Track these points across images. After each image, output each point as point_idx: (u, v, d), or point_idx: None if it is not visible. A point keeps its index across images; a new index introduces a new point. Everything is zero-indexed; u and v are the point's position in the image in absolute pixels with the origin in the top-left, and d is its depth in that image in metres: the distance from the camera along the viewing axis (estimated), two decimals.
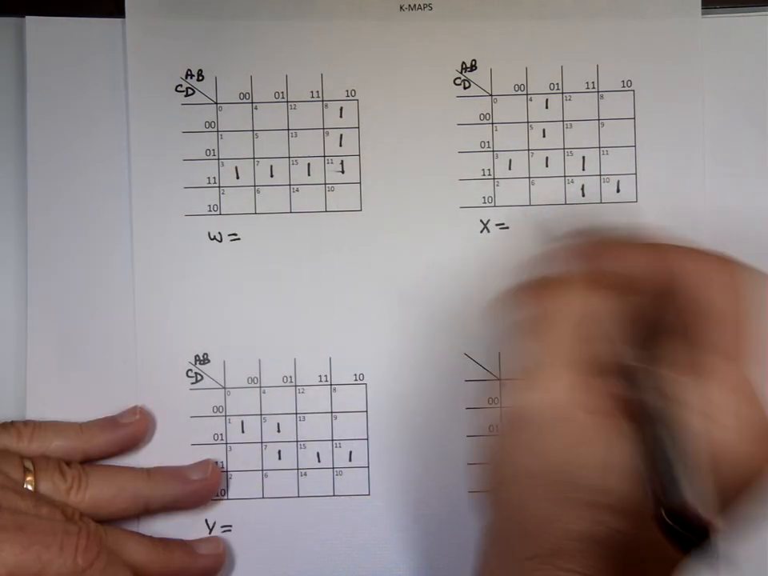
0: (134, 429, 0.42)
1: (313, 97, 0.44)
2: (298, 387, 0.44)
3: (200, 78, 0.44)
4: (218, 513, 0.43)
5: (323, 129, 0.44)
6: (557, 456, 0.33)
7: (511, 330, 0.37)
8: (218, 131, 0.44)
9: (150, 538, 0.42)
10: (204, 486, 0.42)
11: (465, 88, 0.44)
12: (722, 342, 0.34)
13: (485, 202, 0.44)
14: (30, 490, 0.39)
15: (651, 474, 0.31)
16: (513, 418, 0.35)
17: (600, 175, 0.44)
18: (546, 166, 0.44)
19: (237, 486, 0.44)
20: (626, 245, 0.37)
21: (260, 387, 0.44)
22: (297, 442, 0.44)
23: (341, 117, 0.44)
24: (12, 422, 0.42)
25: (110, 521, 0.41)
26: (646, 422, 0.32)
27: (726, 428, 0.32)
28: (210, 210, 0.44)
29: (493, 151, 0.44)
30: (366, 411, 0.44)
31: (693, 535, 0.29)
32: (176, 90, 0.44)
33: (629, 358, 0.35)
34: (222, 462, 0.43)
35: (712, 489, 0.30)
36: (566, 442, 0.33)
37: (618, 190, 0.44)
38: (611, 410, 0.34)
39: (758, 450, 0.33)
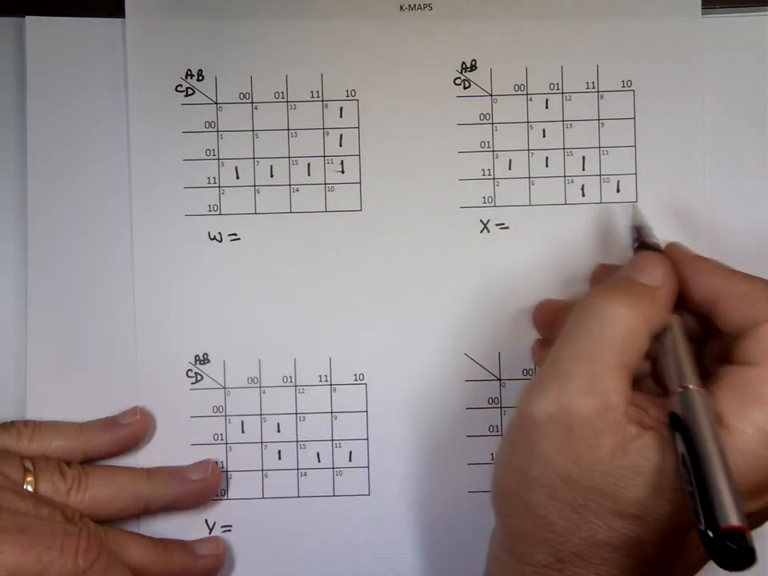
0: (134, 429, 0.42)
1: (313, 97, 0.44)
2: (297, 387, 0.44)
3: (200, 78, 0.44)
4: (217, 513, 0.43)
5: (323, 129, 0.44)
6: (596, 463, 0.33)
7: (568, 324, 0.36)
8: (217, 131, 0.44)
9: (150, 538, 0.42)
10: (204, 486, 0.42)
11: (465, 88, 0.44)
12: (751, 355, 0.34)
13: (485, 202, 0.44)
14: (29, 491, 0.39)
15: (696, 490, 0.31)
16: (550, 418, 0.33)
17: (600, 175, 0.44)
18: (546, 166, 0.44)
19: (237, 485, 0.44)
20: (722, 271, 0.36)
21: (260, 387, 0.44)
22: (297, 441, 0.44)
23: (341, 117, 0.44)
24: (12, 422, 0.42)
25: (110, 521, 0.41)
26: (687, 437, 0.32)
27: (746, 437, 0.32)
28: (209, 210, 0.44)
29: (493, 151, 0.44)
30: (366, 411, 0.44)
31: (737, 553, 0.29)
32: (176, 90, 0.44)
33: (674, 372, 0.34)
34: (221, 462, 0.43)
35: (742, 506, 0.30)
36: (610, 450, 0.33)
37: (618, 190, 0.44)
38: (654, 423, 0.33)
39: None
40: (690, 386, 0.33)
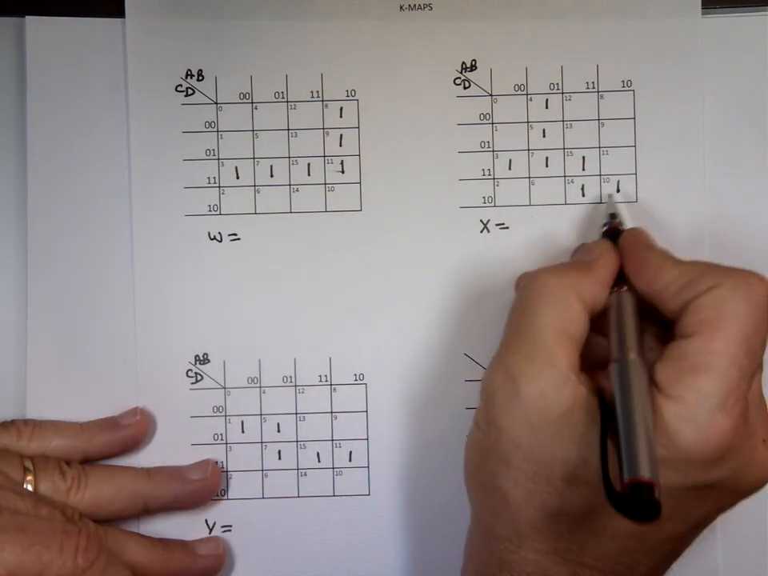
0: (134, 430, 0.42)
1: (313, 97, 0.44)
2: (297, 387, 0.44)
3: (200, 78, 0.44)
4: (217, 513, 0.43)
5: (323, 129, 0.44)
6: (546, 425, 0.34)
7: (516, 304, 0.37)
8: (218, 131, 0.44)
9: (150, 538, 0.42)
10: (204, 486, 0.42)
11: (465, 88, 0.44)
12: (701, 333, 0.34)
13: (485, 202, 0.44)
14: (29, 491, 0.39)
15: (605, 452, 0.32)
16: (500, 389, 0.35)
17: (600, 175, 0.44)
18: (546, 166, 0.44)
19: (237, 485, 0.44)
20: (655, 259, 0.37)
21: (260, 387, 0.44)
22: (297, 441, 0.44)
23: (341, 117, 0.44)
24: (12, 421, 0.42)
25: (109, 520, 0.41)
26: (616, 404, 0.33)
27: (687, 404, 0.33)
28: (210, 210, 0.44)
29: (493, 151, 0.44)
30: (366, 411, 0.44)
31: (643, 507, 0.30)
32: (176, 90, 0.44)
33: (613, 343, 0.36)
34: (221, 462, 0.43)
35: (655, 464, 0.31)
36: (558, 412, 0.34)
37: (618, 190, 0.44)
38: (596, 390, 0.35)
39: (722, 425, 0.33)
40: (628, 356, 0.35)
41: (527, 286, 0.37)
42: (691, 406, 0.33)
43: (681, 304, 0.35)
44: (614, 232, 0.40)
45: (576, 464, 0.33)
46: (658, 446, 0.32)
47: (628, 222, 0.42)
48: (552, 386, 0.34)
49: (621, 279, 0.38)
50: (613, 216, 0.42)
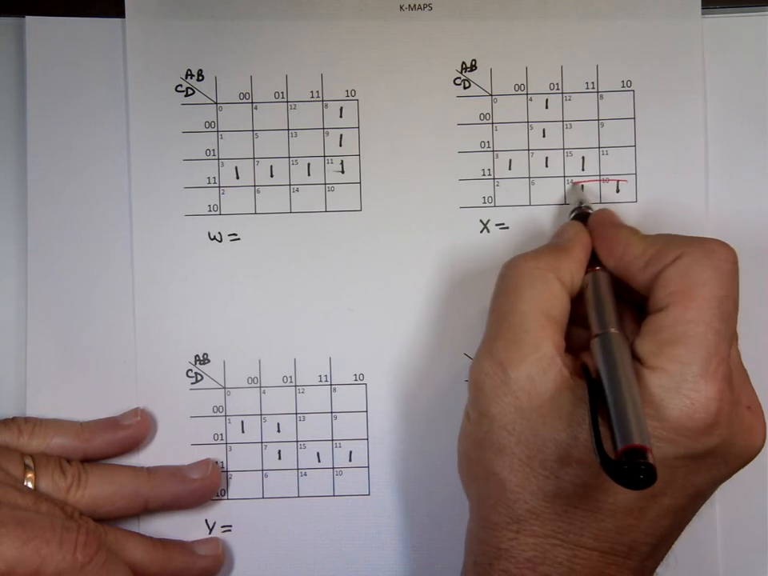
0: (134, 430, 0.42)
1: (313, 97, 0.44)
2: (298, 387, 0.44)
3: (200, 78, 0.44)
4: (217, 513, 0.43)
5: (323, 129, 0.44)
6: (535, 407, 0.34)
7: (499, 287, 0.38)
8: (218, 131, 0.44)
9: (149, 538, 0.42)
10: (204, 485, 0.42)
11: (465, 88, 0.44)
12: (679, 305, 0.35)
13: (485, 202, 0.44)
14: (29, 488, 0.39)
15: (597, 425, 0.32)
16: (487, 376, 0.36)
17: (600, 175, 0.44)
18: (546, 166, 0.44)
19: (237, 486, 0.44)
20: (621, 235, 0.38)
21: (260, 387, 0.44)
22: (297, 442, 0.44)
23: (341, 117, 0.44)
24: (13, 419, 0.42)
25: (110, 519, 0.41)
26: (601, 379, 0.34)
27: (669, 374, 0.33)
28: (210, 210, 0.44)
29: (493, 151, 0.44)
30: (366, 411, 0.44)
31: (639, 473, 0.30)
32: (176, 90, 0.44)
33: (594, 322, 0.37)
34: (222, 462, 0.43)
35: (646, 431, 0.32)
36: (546, 394, 0.34)
37: (618, 190, 0.44)
38: (581, 370, 0.35)
39: (707, 392, 0.33)
40: (609, 330, 0.36)
41: (506, 273, 0.37)
42: (674, 376, 0.33)
43: (650, 277, 0.36)
44: (583, 216, 0.41)
45: (567, 444, 0.34)
46: (647, 419, 0.33)
47: (594, 206, 0.42)
48: (539, 369, 0.35)
49: (593, 260, 0.39)
50: (580, 201, 0.42)
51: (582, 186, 0.44)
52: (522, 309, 0.36)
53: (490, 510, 0.36)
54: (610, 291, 0.38)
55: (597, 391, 0.34)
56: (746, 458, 0.36)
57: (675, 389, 0.33)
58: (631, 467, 0.30)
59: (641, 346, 0.35)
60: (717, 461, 0.35)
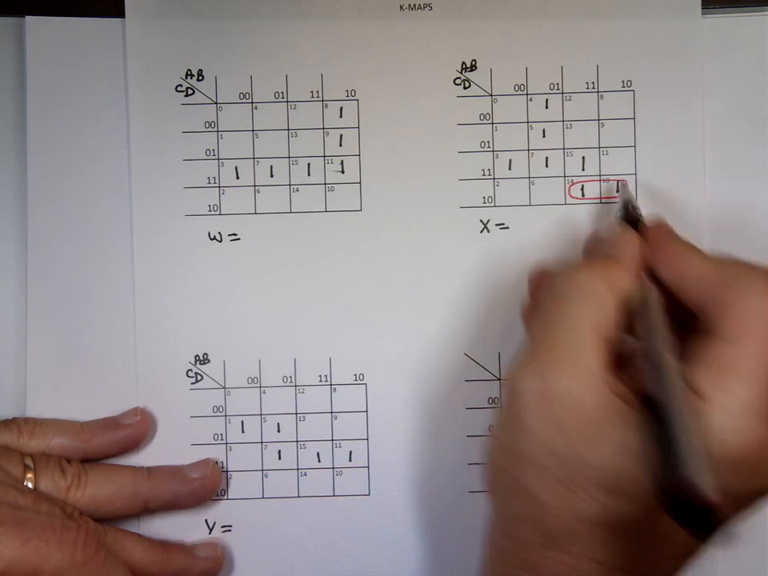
0: (134, 430, 0.42)
1: (313, 97, 0.44)
2: (298, 387, 0.44)
3: (200, 77, 0.44)
4: (217, 513, 0.43)
5: (323, 129, 0.44)
6: (580, 432, 0.33)
7: (543, 298, 0.36)
8: (218, 131, 0.44)
9: (149, 539, 0.42)
10: (204, 485, 0.42)
11: (465, 88, 0.44)
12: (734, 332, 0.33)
13: (485, 202, 0.44)
14: (29, 488, 0.39)
15: (657, 455, 0.30)
16: (533, 392, 0.34)
17: (600, 175, 0.44)
18: (546, 166, 0.44)
19: (237, 485, 0.44)
20: (687, 252, 0.37)
21: (260, 387, 0.44)
22: (297, 442, 0.44)
23: (341, 117, 0.44)
24: (13, 419, 0.42)
25: (109, 519, 0.41)
26: (657, 407, 0.32)
27: (728, 411, 0.32)
28: (210, 210, 0.44)
29: (493, 151, 0.44)
30: (366, 411, 0.44)
31: (697, 515, 0.28)
32: (176, 90, 0.44)
33: (648, 344, 0.35)
34: (222, 462, 0.43)
35: (713, 470, 0.29)
36: (592, 418, 0.33)
37: (617, 191, 0.44)
38: (629, 393, 0.33)
39: (760, 433, 0.32)
40: (664, 359, 0.33)
41: (557, 282, 0.36)
42: (732, 412, 0.32)
43: (711, 301, 0.35)
44: (630, 218, 0.40)
45: (616, 474, 0.32)
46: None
47: (643, 209, 0.41)
48: (583, 386, 0.33)
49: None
50: (627, 202, 0.41)
51: (628, 185, 0.43)
52: (570, 321, 0.34)
53: (518, 523, 0.35)
54: (661, 308, 0.36)
55: (655, 422, 0.32)
56: None
57: (730, 425, 0.32)
58: (702, 519, 0.28)
59: (696, 373, 0.33)
60: (745, 501, 0.34)
